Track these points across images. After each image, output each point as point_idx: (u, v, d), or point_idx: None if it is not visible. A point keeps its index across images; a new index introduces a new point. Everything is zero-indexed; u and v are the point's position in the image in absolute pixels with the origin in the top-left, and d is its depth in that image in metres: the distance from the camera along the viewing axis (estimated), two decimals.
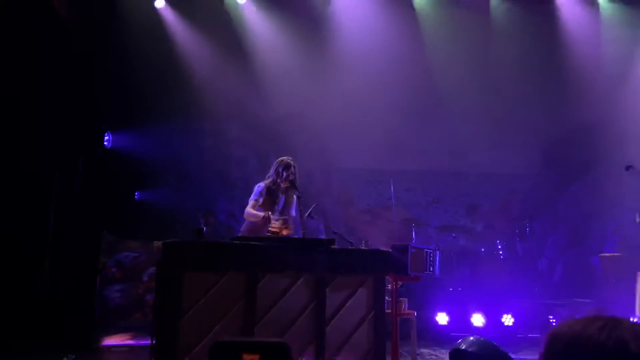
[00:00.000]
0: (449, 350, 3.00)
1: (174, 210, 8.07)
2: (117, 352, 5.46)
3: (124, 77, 7.11)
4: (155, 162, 7.71)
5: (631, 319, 4.18)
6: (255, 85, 8.78)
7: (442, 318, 5.94)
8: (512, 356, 2.77)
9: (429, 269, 4.58)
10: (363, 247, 6.55)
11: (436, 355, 5.41)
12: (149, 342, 3.61)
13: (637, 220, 3.93)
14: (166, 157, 8.07)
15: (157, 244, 3.70)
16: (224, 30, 8.79)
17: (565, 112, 8.98)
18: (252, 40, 8.80)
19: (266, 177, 5.08)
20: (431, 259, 4.64)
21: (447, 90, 8.86)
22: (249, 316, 3.65)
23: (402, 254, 4.30)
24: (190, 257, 3.58)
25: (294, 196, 4.91)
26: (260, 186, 4.97)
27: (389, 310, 4.43)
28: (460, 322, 6.16)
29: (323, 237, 7.80)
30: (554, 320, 6.02)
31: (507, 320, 5.96)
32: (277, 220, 4.88)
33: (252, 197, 4.93)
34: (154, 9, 8.31)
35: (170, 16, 8.42)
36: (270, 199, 4.86)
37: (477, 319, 5.97)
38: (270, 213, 4.72)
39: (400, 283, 4.60)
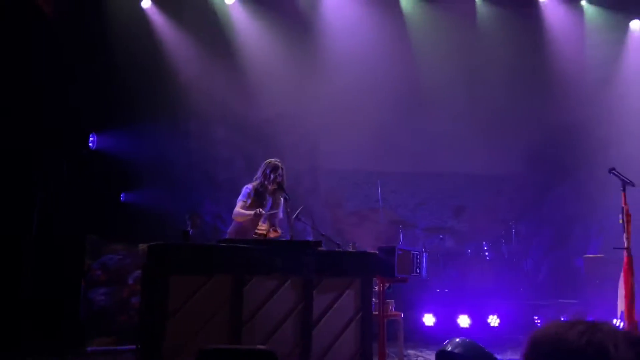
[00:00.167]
0: (435, 352, 3.02)
1: (160, 212, 7.99)
2: (103, 356, 5.40)
3: (109, 77, 7.03)
4: (141, 164, 7.63)
5: (614, 320, 4.24)
6: (243, 85, 8.75)
7: (428, 319, 5.97)
8: (498, 357, 2.79)
9: (416, 270, 4.60)
10: (350, 249, 6.57)
11: (423, 357, 5.43)
12: (135, 345, 3.57)
13: (620, 221, 3.99)
14: (152, 158, 7.99)
15: (143, 246, 3.66)
16: (211, 31, 8.75)
17: (550, 114, 9.10)
18: (240, 40, 8.77)
19: (254, 179, 5.05)
20: (418, 260, 4.66)
21: (434, 92, 8.91)
22: (235, 319, 3.63)
23: (389, 256, 4.31)
24: (176, 260, 3.55)
25: (282, 198, 4.90)
26: (247, 188, 4.95)
27: (376, 312, 4.44)
28: (447, 323, 6.19)
29: (310, 239, 7.78)
30: (539, 321, 6.08)
31: (493, 321, 6.01)
32: (264, 222, 4.87)
33: (241, 198, 4.90)
34: (140, 9, 8.24)
35: (156, 16, 8.35)
36: (257, 201, 4.84)
37: (463, 320, 6.01)
38: (261, 210, 4.69)
39: (387, 285, 4.61)
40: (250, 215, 4.69)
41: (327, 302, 3.94)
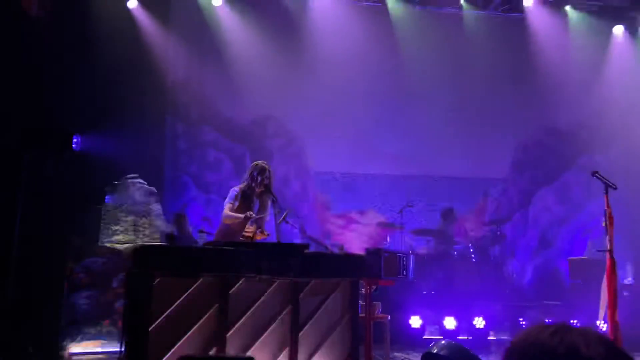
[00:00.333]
0: (421, 354, 3.03)
1: (147, 215, 7.91)
2: None
3: (94, 77, 6.95)
4: (127, 165, 7.55)
5: (597, 322, 4.28)
6: (231, 87, 8.73)
7: (415, 321, 5.98)
8: (483, 359, 2.80)
9: (402, 272, 4.61)
10: (338, 251, 6.56)
11: (409, 359, 5.44)
12: (118, 350, 3.52)
13: (603, 224, 4.03)
14: (138, 160, 7.91)
15: (128, 248, 3.62)
16: (199, 33, 8.71)
17: (535, 117, 9.21)
18: (227, 42, 8.75)
19: (241, 181, 5.03)
20: (404, 262, 4.67)
21: (422, 96, 8.97)
22: (221, 323, 3.59)
23: (376, 258, 4.31)
24: (161, 263, 3.51)
25: (269, 201, 4.87)
26: (235, 190, 4.91)
27: (363, 314, 4.44)
28: (433, 325, 6.21)
29: (298, 241, 7.77)
30: (524, 323, 6.13)
31: (479, 322, 6.04)
32: (252, 224, 4.84)
33: (228, 200, 4.86)
34: (126, 9, 8.18)
35: (143, 17, 8.29)
36: (245, 203, 4.81)
37: (450, 322, 6.03)
38: (251, 213, 4.66)
39: (374, 287, 4.61)
40: (240, 218, 4.65)
41: (314, 304, 3.93)
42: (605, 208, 4.05)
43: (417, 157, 9.13)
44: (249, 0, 8.78)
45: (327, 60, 8.66)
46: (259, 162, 4.99)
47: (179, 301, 3.54)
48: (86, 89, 6.80)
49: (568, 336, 1.07)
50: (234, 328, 3.67)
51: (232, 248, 3.83)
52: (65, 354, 5.31)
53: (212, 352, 3.54)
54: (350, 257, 4.20)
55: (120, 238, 6.40)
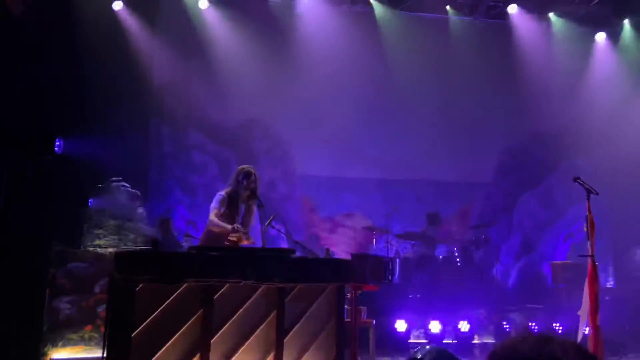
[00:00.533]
0: (406, 359, 3.03)
1: (131, 218, 7.82)
2: None
3: (78, 79, 6.87)
4: (111, 169, 7.47)
5: (579, 326, 4.33)
6: (217, 90, 8.70)
7: (400, 325, 5.99)
8: None
9: (388, 277, 4.63)
10: (324, 255, 6.56)
11: None
12: (101, 356, 3.48)
13: (585, 229, 4.09)
14: (123, 163, 7.83)
15: (110, 254, 3.57)
16: (185, 35, 8.67)
17: (520, 122, 9.32)
18: (214, 45, 8.72)
19: (227, 185, 5.00)
20: (390, 267, 4.68)
21: (407, 100, 9.03)
22: (205, 329, 3.56)
23: (362, 263, 4.32)
24: (144, 269, 3.47)
25: (255, 205, 4.85)
26: (220, 194, 4.88)
27: (348, 319, 4.44)
28: (419, 329, 6.24)
29: (284, 246, 7.75)
30: (508, 326, 6.18)
31: (464, 326, 6.08)
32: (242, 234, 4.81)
33: (214, 205, 4.82)
34: (112, 11, 8.10)
35: (128, 19, 8.23)
36: (230, 208, 4.78)
37: (435, 326, 6.06)
38: (239, 225, 4.62)
39: (359, 291, 4.61)
40: (227, 229, 4.60)
41: (299, 309, 3.91)
42: (587, 213, 4.11)
43: (403, 161, 9.18)
44: (235, 4, 8.76)
45: (313, 64, 8.68)
46: (245, 166, 4.97)
47: (162, 307, 3.50)
48: (69, 91, 6.71)
49: (548, 348, 1.08)
50: (219, 334, 3.64)
51: (217, 253, 3.81)
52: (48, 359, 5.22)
53: (195, 359, 3.51)
54: (336, 262, 4.19)
55: (103, 242, 6.32)
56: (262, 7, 8.68)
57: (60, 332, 5.56)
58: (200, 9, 8.64)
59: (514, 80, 8.98)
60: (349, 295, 4.51)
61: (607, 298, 6.80)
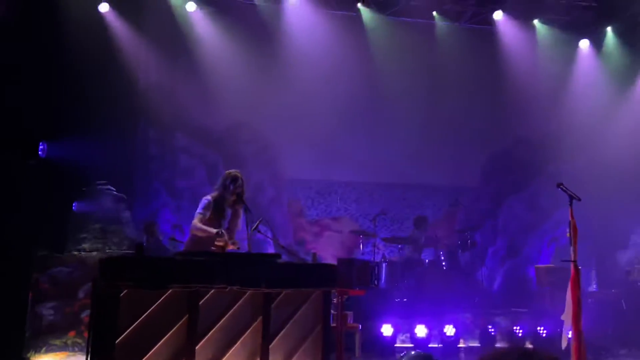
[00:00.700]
0: None
1: (116, 222, 7.75)
2: None
3: (63, 82, 6.79)
4: (96, 172, 7.39)
5: (563, 331, 4.38)
6: (204, 93, 8.66)
7: (387, 329, 6.01)
8: None
9: (374, 282, 4.64)
10: (310, 259, 6.55)
11: None
12: None
13: (568, 235, 4.14)
14: (108, 166, 7.76)
15: (94, 259, 3.54)
16: (172, 38, 8.63)
17: (504, 128, 9.42)
18: (201, 48, 8.69)
19: (213, 189, 4.98)
20: (376, 272, 4.70)
21: (395, 105, 9.09)
22: (190, 335, 3.54)
23: (348, 267, 4.33)
24: (129, 274, 3.44)
25: (241, 210, 4.84)
26: (207, 199, 4.86)
27: (334, 324, 4.44)
28: (405, 333, 6.25)
29: (271, 250, 7.74)
30: (493, 330, 6.22)
31: (449, 330, 6.11)
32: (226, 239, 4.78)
33: (199, 210, 4.80)
34: (98, 13, 8.03)
35: (114, 21, 8.16)
36: (217, 212, 4.76)
37: (421, 330, 6.08)
38: (223, 231, 4.60)
39: (345, 296, 4.62)
40: (211, 233, 4.58)
41: (285, 315, 3.91)
42: (570, 219, 4.16)
43: (390, 165, 9.22)
44: (223, 7, 8.73)
45: (301, 68, 8.68)
46: (232, 171, 4.95)
47: (146, 313, 3.48)
48: (54, 94, 6.63)
49: None
50: (204, 340, 3.62)
51: (203, 259, 3.79)
52: None
53: None
54: (322, 267, 4.19)
55: (87, 246, 6.25)
56: (249, 10, 8.68)
57: (43, 338, 5.49)
58: (187, 11, 8.60)
59: (500, 85, 9.08)
60: (335, 300, 4.51)
61: (590, 301, 6.89)
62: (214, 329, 3.65)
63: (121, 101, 7.88)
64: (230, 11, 8.73)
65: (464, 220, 9.38)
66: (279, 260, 4.08)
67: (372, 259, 7.80)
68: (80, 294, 5.54)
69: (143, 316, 3.48)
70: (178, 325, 3.57)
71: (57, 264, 5.62)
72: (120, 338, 3.40)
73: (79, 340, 5.39)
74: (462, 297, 7.29)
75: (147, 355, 3.44)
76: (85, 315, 5.39)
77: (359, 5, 8.96)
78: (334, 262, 4.89)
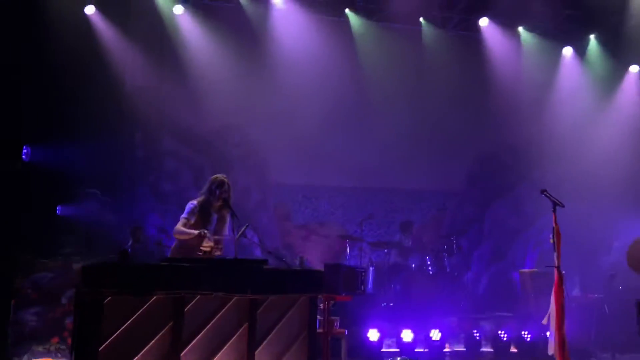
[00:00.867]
0: None
1: (101, 226, 7.68)
2: None
3: (48, 85, 6.72)
4: (81, 175, 7.32)
5: (547, 333, 4.43)
6: (191, 96, 8.62)
7: (373, 334, 6.02)
8: None
9: (360, 287, 4.65)
10: (297, 264, 6.54)
11: None
12: None
13: (551, 241, 4.20)
14: (93, 169, 7.69)
15: (77, 266, 3.50)
16: (159, 40, 8.58)
17: (490, 133, 9.52)
18: (188, 51, 8.65)
19: (199, 194, 4.96)
20: (362, 277, 4.71)
21: (382, 109, 9.13)
22: (175, 341, 3.52)
23: (334, 273, 4.34)
24: (112, 281, 3.41)
25: (228, 215, 4.83)
26: (192, 204, 4.84)
27: (321, 330, 4.44)
28: (391, 338, 6.27)
29: (258, 254, 7.72)
30: (478, 335, 6.26)
31: (435, 335, 6.14)
32: (210, 239, 4.77)
33: (184, 215, 4.79)
34: (84, 15, 7.97)
35: (101, 23, 8.10)
36: (202, 218, 4.75)
37: (407, 335, 6.10)
38: (205, 231, 4.60)
39: (332, 302, 4.62)
40: (192, 234, 4.59)
41: (271, 321, 3.91)
42: (554, 225, 4.22)
43: (377, 170, 9.26)
44: (210, 10, 8.72)
45: (288, 72, 8.69)
46: (218, 175, 4.94)
47: (131, 319, 3.45)
48: (38, 97, 6.56)
49: None
50: (189, 347, 3.61)
51: (188, 265, 3.77)
52: None
53: None
54: (308, 273, 4.20)
55: (71, 251, 6.18)
56: (237, 14, 8.67)
57: (26, 344, 5.41)
58: (174, 14, 8.57)
59: (485, 91, 9.18)
60: (321, 305, 4.51)
61: (573, 305, 6.97)
62: (199, 336, 3.64)
63: (107, 104, 7.83)
64: (218, 14, 8.72)
65: (450, 224, 9.44)
66: (265, 266, 4.07)
67: (358, 263, 7.81)
68: (64, 300, 5.48)
69: (127, 323, 3.46)
70: (163, 332, 3.55)
71: (41, 269, 5.55)
72: (104, 345, 3.37)
73: (62, 347, 5.32)
74: (448, 301, 7.32)
75: None
76: (69, 321, 5.32)
77: (347, 10, 9.02)
78: (320, 266, 4.88)
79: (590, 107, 9.16)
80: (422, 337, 6.17)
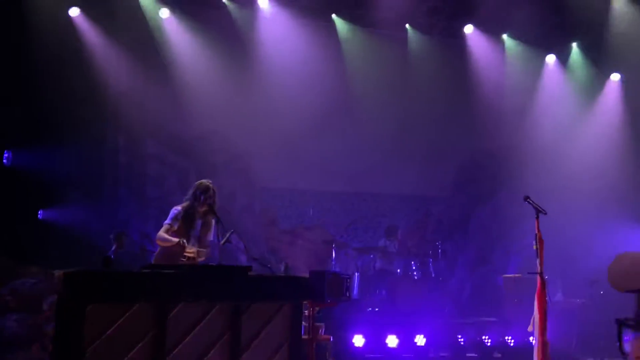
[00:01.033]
0: None
1: (84, 231, 7.58)
2: None
3: (29, 88, 6.62)
4: (63, 179, 7.22)
5: (531, 338, 4.48)
6: (176, 100, 8.56)
7: (358, 340, 6.02)
8: None
9: (346, 294, 4.65)
10: (282, 269, 6.52)
11: None
12: None
13: (534, 247, 4.25)
14: (76, 173, 7.59)
15: (58, 273, 3.44)
16: (144, 44, 8.51)
17: (474, 139, 9.61)
18: (173, 55, 8.60)
19: (184, 200, 4.93)
20: (348, 284, 4.71)
21: (367, 115, 9.17)
22: (158, 350, 3.48)
23: (319, 280, 4.33)
24: (94, 289, 3.36)
25: (213, 221, 4.80)
26: (176, 209, 4.81)
27: (306, 336, 4.43)
28: (376, 343, 6.27)
29: (243, 259, 7.67)
30: (462, 340, 6.30)
31: (420, 340, 6.16)
32: (194, 245, 4.74)
33: (167, 220, 4.76)
34: (67, 17, 7.88)
35: (85, 25, 8.02)
36: (186, 224, 4.71)
37: (392, 340, 6.12)
38: (184, 240, 4.57)
39: (317, 309, 4.61)
40: (172, 242, 4.55)
41: (256, 328, 3.88)
42: (536, 232, 4.27)
43: (363, 175, 9.28)
44: (197, 14, 8.68)
45: (274, 76, 8.68)
46: (203, 181, 4.92)
47: (112, 328, 3.40)
48: (20, 101, 6.46)
49: None
50: (172, 354, 3.56)
51: (171, 272, 3.74)
52: None
53: None
54: (293, 280, 4.18)
55: (53, 256, 6.08)
56: (223, 18, 8.65)
57: (6, 352, 5.29)
58: (160, 18, 8.51)
59: (470, 97, 9.28)
60: (306, 312, 4.50)
61: (556, 310, 7.04)
62: (182, 344, 3.60)
63: (90, 108, 7.74)
64: (204, 18, 8.69)
65: (435, 229, 9.49)
66: (249, 273, 4.05)
67: (344, 268, 7.81)
68: (45, 306, 5.38)
69: (109, 331, 3.41)
70: (145, 340, 3.50)
71: (21, 274, 5.44)
72: (85, 354, 3.32)
73: (43, 354, 5.22)
74: (433, 306, 7.36)
75: None
76: (50, 328, 5.23)
77: (334, 15, 9.05)
78: (306, 271, 4.88)
79: (572, 114, 9.31)
80: (407, 342, 6.19)
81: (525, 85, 9.40)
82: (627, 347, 4.13)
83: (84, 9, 7.99)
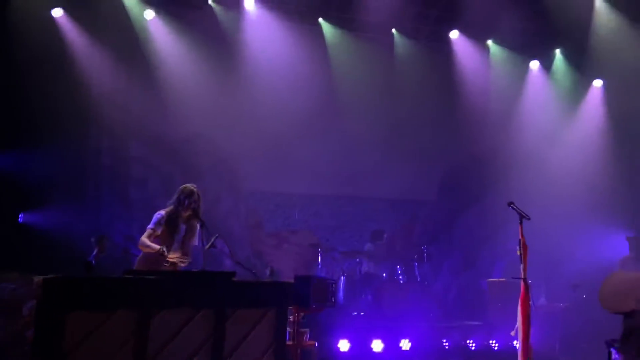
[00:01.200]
0: None
1: (66, 234, 7.45)
2: None
3: (10, 89, 6.50)
4: (44, 182, 7.09)
5: (514, 342, 4.50)
6: (161, 103, 8.48)
7: (343, 345, 6.00)
8: None
9: (331, 299, 4.63)
10: (268, 273, 6.47)
11: None
12: None
13: (518, 252, 4.27)
14: (58, 175, 7.46)
15: (38, 279, 3.36)
16: (129, 45, 8.43)
17: (460, 144, 9.68)
18: (158, 57, 8.52)
19: (167, 204, 4.87)
20: (333, 289, 4.69)
21: (353, 119, 9.17)
22: (139, 357, 3.42)
23: (305, 285, 4.30)
24: (74, 295, 3.29)
25: (197, 225, 4.75)
26: (160, 214, 4.75)
27: (290, 342, 4.40)
28: (361, 348, 6.26)
29: (228, 263, 7.61)
30: (447, 344, 6.32)
31: (405, 345, 6.16)
32: (177, 249, 4.68)
33: (150, 225, 4.70)
34: (50, 18, 7.76)
35: (68, 26, 7.91)
36: (170, 228, 4.65)
37: (377, 345, 6.11)
38: (164, 248, 4.51)
39: (302, 314, 4.59)
40: (154, 249, 4.50)
41: (240, 334, 3.84)
42: (520, 237, 4.29)
43: (349, 178, 9.29)
44: (182, 16, 8.61)
45: (260, 79, 8.66)
46: (187, 185, 4.87)
47: (93, 336, 3.33)
48: (1, 101, 6.34)
49: None
50: None
51: (153, 277, 3.68)
52: None
53: None
54: (278, 285, 4.14)
55: (34, 261, 5.97)
56: (209, 20, 8.59)
57: None
58: (145, 19, 8.43)
59: (455, 102, 9.35)
60: (291, 317, 4.47)
61: (539, 313, 7.10)
62: (164, 351, 3.54)
63: (73, 109, 7.62)
64: (189, 20, 8.63)
65: (421, 233, 9.52)
66: (233, 279, 4.00)
67: (330, 272, 7.79)
68: (25, 311, 5.27)
69: (90, 338, 3.34)
70: (127, 347, 3.44)
71: (1, 280, 5.33)
72: None
73: None
74: (418, 310, 7.37)
75: None
76: (29, 333, 5.12)
77: (320, 19, 9.05)
78: (292, 274, 4.85)
79: (555, 119, 9.43)
80: (392, 347, 6.19)
81: (510, 90, 9.50)
82: None
83: (67, 10, 7.88)
